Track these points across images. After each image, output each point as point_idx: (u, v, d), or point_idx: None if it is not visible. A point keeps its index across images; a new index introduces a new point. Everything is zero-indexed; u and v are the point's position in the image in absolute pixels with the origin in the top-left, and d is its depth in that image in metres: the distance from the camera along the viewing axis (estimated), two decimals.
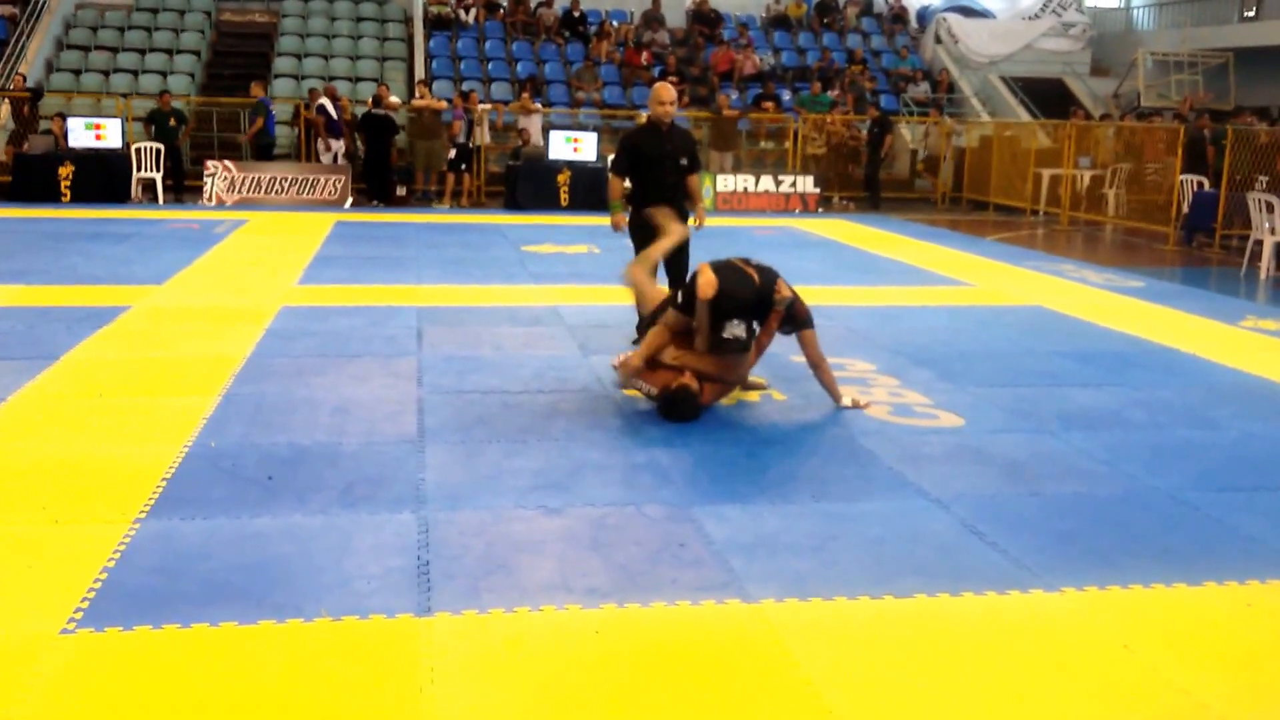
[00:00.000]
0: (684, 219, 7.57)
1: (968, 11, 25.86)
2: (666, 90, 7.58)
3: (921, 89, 23.40)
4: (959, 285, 11.03)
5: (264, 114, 17.65)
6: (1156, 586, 4.10)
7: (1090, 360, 7.81)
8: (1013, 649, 3.62)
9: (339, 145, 18.11)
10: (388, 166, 17.51)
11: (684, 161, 7.61)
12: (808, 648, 3.58)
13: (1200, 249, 14.68)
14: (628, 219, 7.67)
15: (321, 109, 17.91)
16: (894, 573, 4.16)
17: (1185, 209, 15.20)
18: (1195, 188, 15.27)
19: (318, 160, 18.06)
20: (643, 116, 20.09)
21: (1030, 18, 25.71)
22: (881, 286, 10.82)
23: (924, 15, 25.90)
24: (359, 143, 18.03)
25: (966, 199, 20.17)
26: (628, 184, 7.70)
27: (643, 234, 7.51)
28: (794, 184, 18.54)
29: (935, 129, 21.22)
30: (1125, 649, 3.64)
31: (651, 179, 7.52)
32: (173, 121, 17.50)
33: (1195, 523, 4.78)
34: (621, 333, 8.10)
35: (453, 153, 17.80)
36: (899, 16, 25.87)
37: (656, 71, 22.22)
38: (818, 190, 18.61)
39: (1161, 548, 4.48)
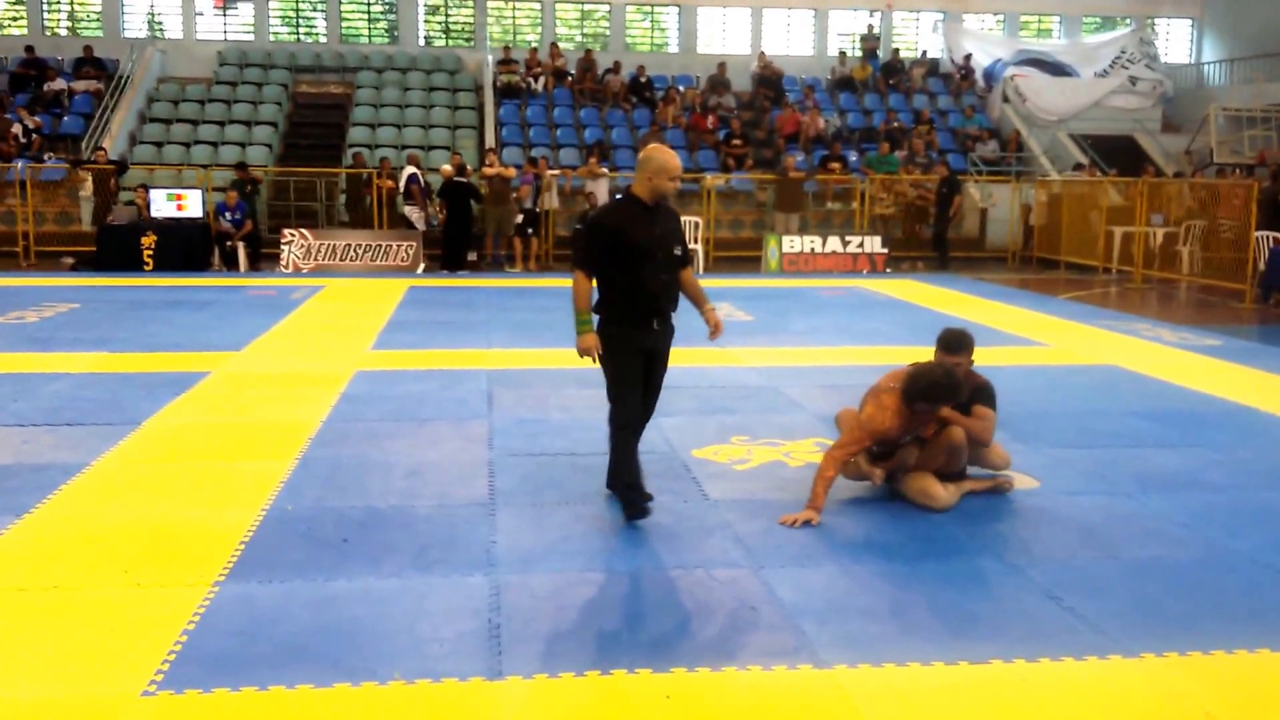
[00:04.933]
0: (670, 329, 5.62)
1: (1040, 64, 25.74)
2: (673, 156, 5.42)
3: (990, 148, 23.34)
4: (1031, 345, 10.92)
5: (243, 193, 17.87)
6: (1239, 652, 4.01)
7: (1167, 421, 7.68)
8: (1091, 717, 3.56)
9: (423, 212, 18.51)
10: (469, 233, 17.81)
11: (679, 252, 5.53)
12: (882, 714, 3.55)
13: (1278, 306, 14.41)
14: (602, 341, 5.40)
15: (414, 178, 18.30)
16: (968, 638, 4.11)
17: (1261, 266, 14.94)
18: (1271, 244, 15.02)
19: (408, 227, 18.39)
20: (710, 179, 20.40)
21: (1099, 74, 25.58)
22: None
23: (991, 74, 25.87)
24: (438, 210, 18.34)
25: (1037, 258, 20.01)
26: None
27: (616, 367, 5.45)
28: (861, 244, 18.53)
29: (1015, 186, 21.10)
30: (1207, 716, 3.56)
31: (640, 279, 5.33)
32: (249, 189, 17.99)
33: (1278, 587, 4.67)
34: (688, 394, 8.13)
35: (520, 217, 18.08)
36: (966, 76, 25.88)
37: (722, 135, 22.43)
38: (885, 250, 18.58)
39: (1244, 612, 4.38)
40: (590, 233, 5.45)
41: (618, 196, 5.75)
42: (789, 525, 5.36)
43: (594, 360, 5.41)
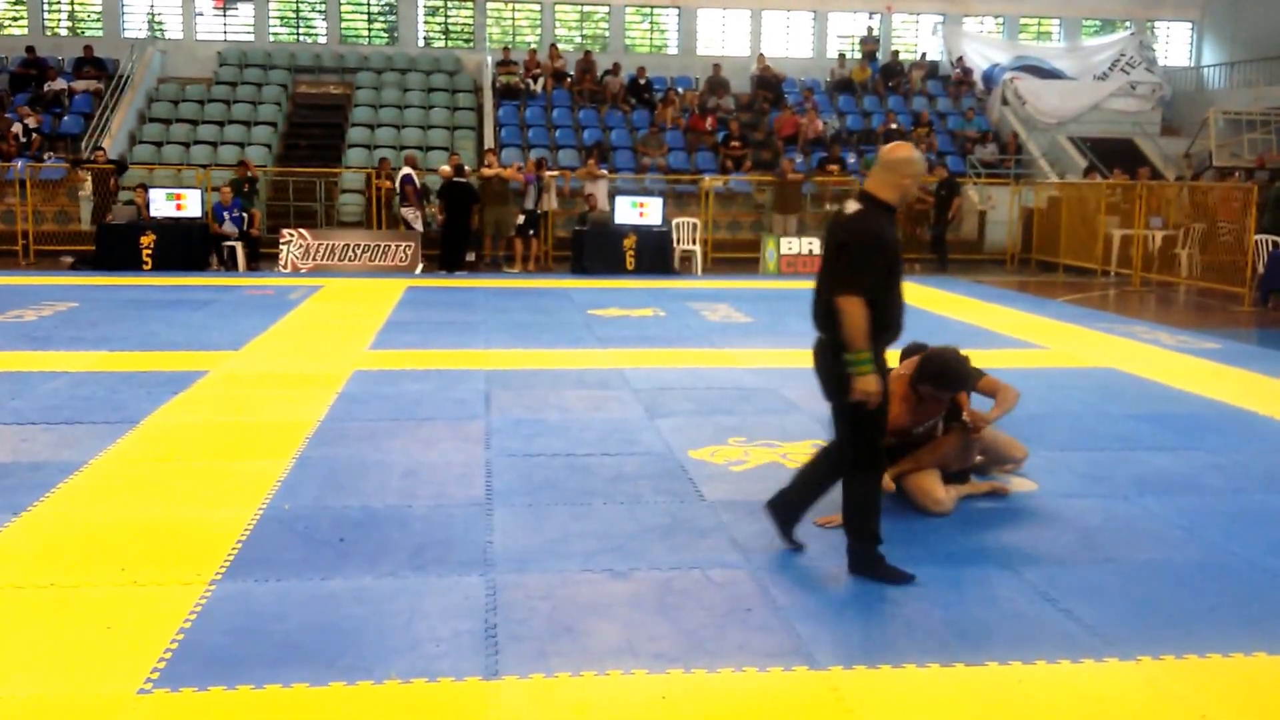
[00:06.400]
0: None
1: (1036, 70, 25.78)
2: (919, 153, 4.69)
3: (989, 150, 23.36)
4: (1029, 348, 10.93)
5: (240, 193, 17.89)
6: (1235, 656, 4.01)
7: (1165, 423, 7.68)
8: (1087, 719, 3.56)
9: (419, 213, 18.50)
10: (467, 234, 17.82)
11: None
12: (877, 716, 3.55)
13: (1276, 310, 14.41)
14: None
15: (409, 179, 18.30)
16: (965, 640, 4.11)
17: (1260, 269, 14.95)
18: (1270, 247, 15.03)
19: (404, 228, 18.38)
20: (708, 180, 20.40)
21: (1098, 77, 25.60)
22: None
23: (990, 77, 25.91)
24: (436, 211, 18.34)
25: (1035, 260, 20.02)
26: None
27: (875, 413, 4.53)
28: None
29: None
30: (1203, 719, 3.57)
31: (890, 302, 4.52)
32: (246, 188, 17.99)
33: (1275, 590, 4.67)
34: (686, 395, 8.12)
35: (520, 218, 18.10)
36: (964, 79, 25.89)
37: (720, 136, 22.44)
38: None
39: (1241, 616, 4.38)
40: (865, 247, 4.41)
41: (859, 208, 4.57)
42: (824, 527, 5.26)
43: (872, 406, 4.44)
